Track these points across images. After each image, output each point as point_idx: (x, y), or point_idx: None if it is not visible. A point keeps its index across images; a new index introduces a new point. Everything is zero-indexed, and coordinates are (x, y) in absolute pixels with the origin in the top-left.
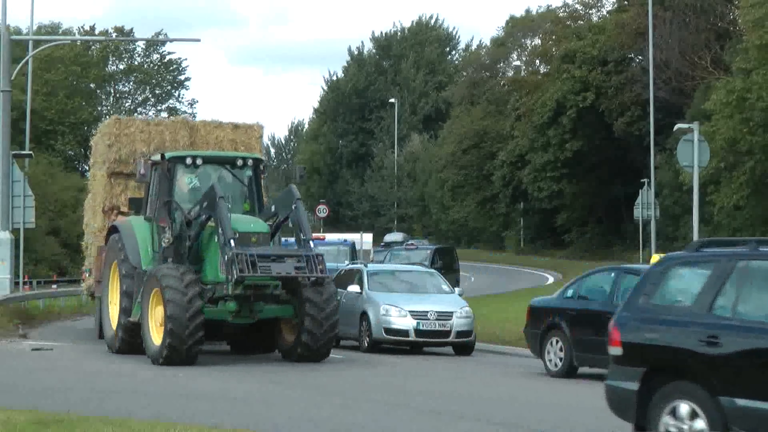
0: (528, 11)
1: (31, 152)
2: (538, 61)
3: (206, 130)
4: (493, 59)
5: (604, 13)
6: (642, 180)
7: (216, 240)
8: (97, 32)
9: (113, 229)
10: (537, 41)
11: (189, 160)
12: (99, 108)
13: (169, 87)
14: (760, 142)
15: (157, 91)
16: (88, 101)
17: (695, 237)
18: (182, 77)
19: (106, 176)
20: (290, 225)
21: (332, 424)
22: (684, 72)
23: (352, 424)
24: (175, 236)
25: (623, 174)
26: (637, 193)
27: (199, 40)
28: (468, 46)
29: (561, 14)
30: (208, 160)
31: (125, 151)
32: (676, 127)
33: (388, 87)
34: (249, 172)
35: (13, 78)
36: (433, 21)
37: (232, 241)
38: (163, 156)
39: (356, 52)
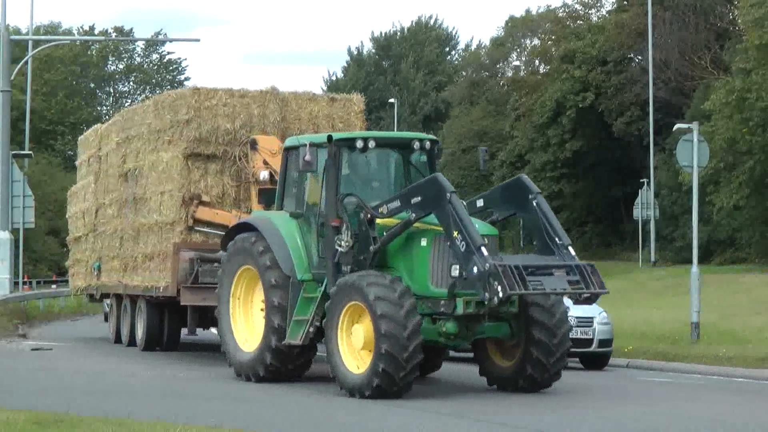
0: (528, 11)
1: (30, 152)
2: (537, 61)
3: (298, 104)
4: (493, 59)
5: (604, 13)
6: (641, 180)
7: (422, 244)
8: (96, 32)
9: (242, 227)
10: (536, 41)
11: (360, 143)
12: (99, 108)
13: (169, 87)
14: (759, 142)
15: (157, 91)
16: (88, 101)
17: (695, 237)
18: (182, 77)
19: (182, 158)
20: (522, 228)
21: (332, 424)
22: (683, 72)
23: (352, 424)
24: (354, 238)
25: (623, 174)
26: (637, 193)
27: (198, 40)
28: (467, 46)
29: (560, 14)
30: (381, 143)
31: (206, 128)
32: (675, 127)
33: (387, 87)
34: (424, 157)
35: (12, 78)
36: (432, 21)
37: (484, 249)
38: (330, 138)
39: (356, 52)
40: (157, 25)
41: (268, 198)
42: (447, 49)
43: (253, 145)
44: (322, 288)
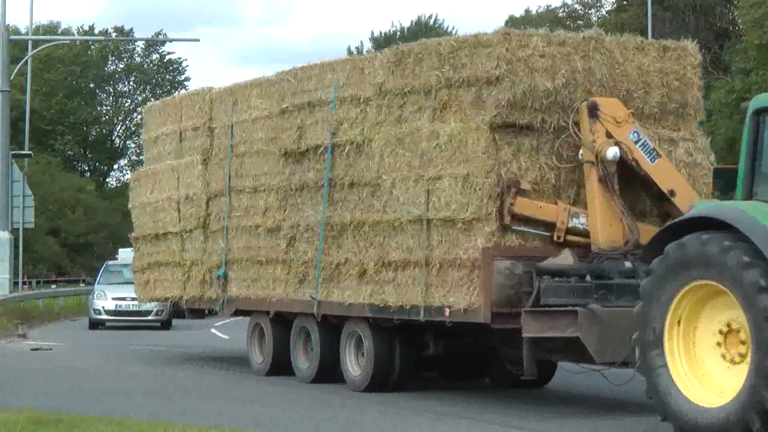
0: (527, 11)
1: (30, 152)
2: None
3: (623, 55)
4: None
5: (604, 13)
6: None
7: None
8: (96, 32)
9: (690, 225)
10: None
11: None
12: (99, 108)
13: (168, 87)
14: None
15: (157, 91)
16: (88, 101)
17: None
18: (182, 77)
19: (487, 130)
20: None
21: (332, 424)
22: None
23: (352, 424)
24: None
25: None
26: None
27: (198, 40)
28: None
29: (560, 14)
30: None
31: (521, 89)
32: None
33: None
34: None
35: (12, 78)
36: (432, 21)
37: None
38: None
39: (355, 52)
40: (157, 25)
41: (727, 181)
42: None
43: (594, 110)
44: None
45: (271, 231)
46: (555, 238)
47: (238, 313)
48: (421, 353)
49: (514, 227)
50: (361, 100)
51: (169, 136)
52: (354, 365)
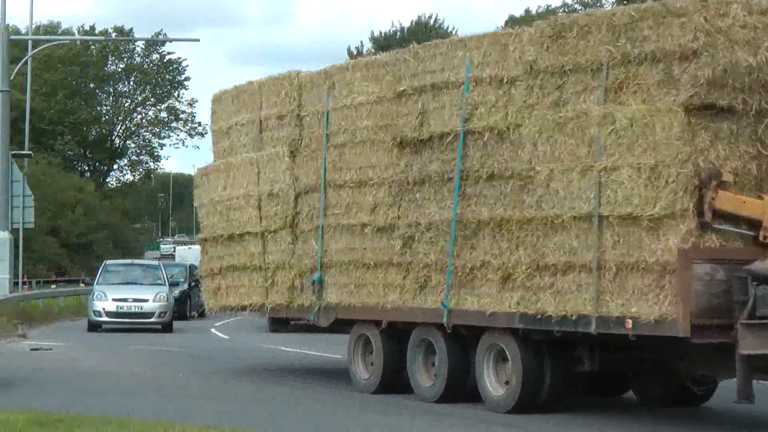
0: (528, 11)
1: (30, 152)
2: None
3: None
4: None
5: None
6: None
7: None
8: (96, 32)
9: None
10: None
11: None
12: (99, 108)
13: (169, 87)
14: None
15: (157, 91)
16: (88, 101)
17: None
18: (182, 77)
19: (682, 113)
20: None
21: (332, 424)
22: None
23: (352, 424)
24: None
25: None
26: None
27: (198, 40)
28: None
29: (560, 14)
30: None
31: (721, 64)
32: None
33: None
34: None
35: (12, 78)
36: (432, 21)
37: None
38: None
39: (356, 52)
40: (157, 25)
41: None
42: None
43: None
44: None
45: (382, 230)
46: (762, 238)
47: (338, 322)
48: (571, 369)
49: (714, 225)
50: (505, 81)
51: (246, 126)
52: (494, 383)
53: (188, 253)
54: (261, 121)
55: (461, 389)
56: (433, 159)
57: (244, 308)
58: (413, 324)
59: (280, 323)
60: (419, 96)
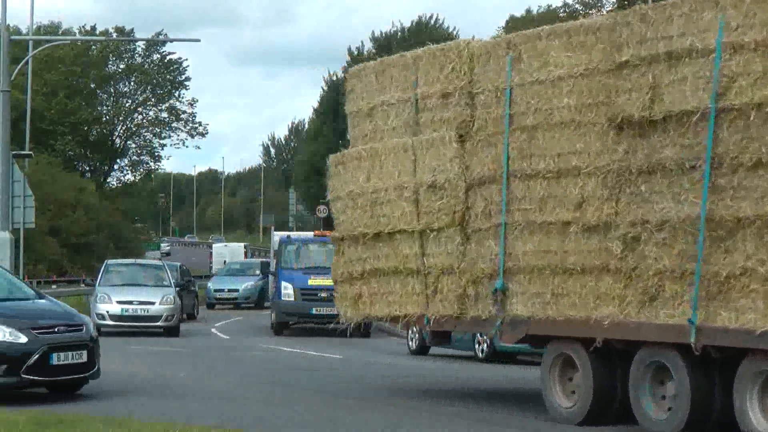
0: (528, 11)
1: (30, 152)
2: None
3: None
4: None
5: (604, 13)
6: None
7: None
8: (97, 32)
9: None
10: None
11: None
12: (99, 108)
13: (169, 87)
14: None
15: (157, 91)
16: (88, 101)
17: None
18: (182, 77)
19: None
20: None
21: (332, 424)
22: None
23: (352, 424)
24: None
25: None
26: None
27: (199, 40)
28: None
29: (561, 14)
30: None
31: None
32: None
33: None
34: None
35: (13, 78)
36: (432, 21)
37: None
38: None
39: (356, 52)
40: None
41: None
42: None
43: None
44: None
45: (592, 229)
46: None
47: (528, 339)
48: None
49: None
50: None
51: (395, 105)
52: (759, 418)
53: (225, 251)
54: (417, 101)
55: (705, 423)
56: (667, 143)
57: (395, 319)
58: (638, 343)
59: (440, 337)
60: (648, 67)
